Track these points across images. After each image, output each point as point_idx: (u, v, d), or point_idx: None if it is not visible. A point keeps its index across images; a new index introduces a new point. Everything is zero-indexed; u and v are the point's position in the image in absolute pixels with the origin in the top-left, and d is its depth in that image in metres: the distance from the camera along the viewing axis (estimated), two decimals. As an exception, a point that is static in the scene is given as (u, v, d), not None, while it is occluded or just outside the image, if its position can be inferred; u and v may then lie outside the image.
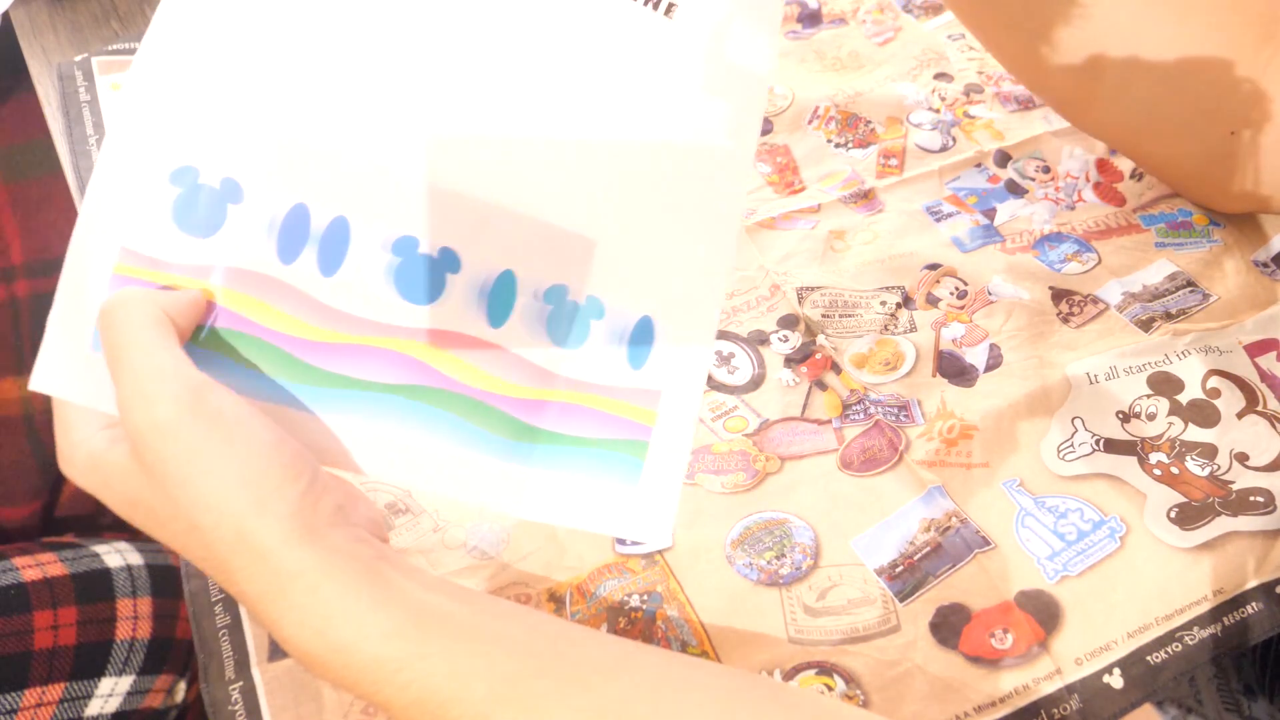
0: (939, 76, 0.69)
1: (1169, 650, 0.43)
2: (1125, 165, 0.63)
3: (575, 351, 0.37)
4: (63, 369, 0.33)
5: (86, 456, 0.33)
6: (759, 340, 0.54)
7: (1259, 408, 0.50)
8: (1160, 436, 0.50)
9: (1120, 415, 0.50)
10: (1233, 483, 0.48)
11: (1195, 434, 0.50)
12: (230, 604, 0.44)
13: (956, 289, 0.56)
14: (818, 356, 0.53)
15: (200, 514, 0.31)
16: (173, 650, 0.61)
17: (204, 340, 0.33)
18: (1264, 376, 0.52)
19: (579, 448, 0.38)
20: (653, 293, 0.38)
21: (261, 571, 0.31)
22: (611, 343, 0.37)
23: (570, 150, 0.36)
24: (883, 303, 0.56)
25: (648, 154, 0.36)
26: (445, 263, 0.35)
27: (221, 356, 0.33)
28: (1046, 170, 0.63)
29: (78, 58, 0.68)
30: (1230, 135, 0.52)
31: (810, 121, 0.66)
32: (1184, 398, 0.51)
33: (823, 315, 0.55)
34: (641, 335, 0.38)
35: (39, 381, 0.33)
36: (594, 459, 0.38)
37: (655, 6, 0.36)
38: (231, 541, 0.31)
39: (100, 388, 0.32)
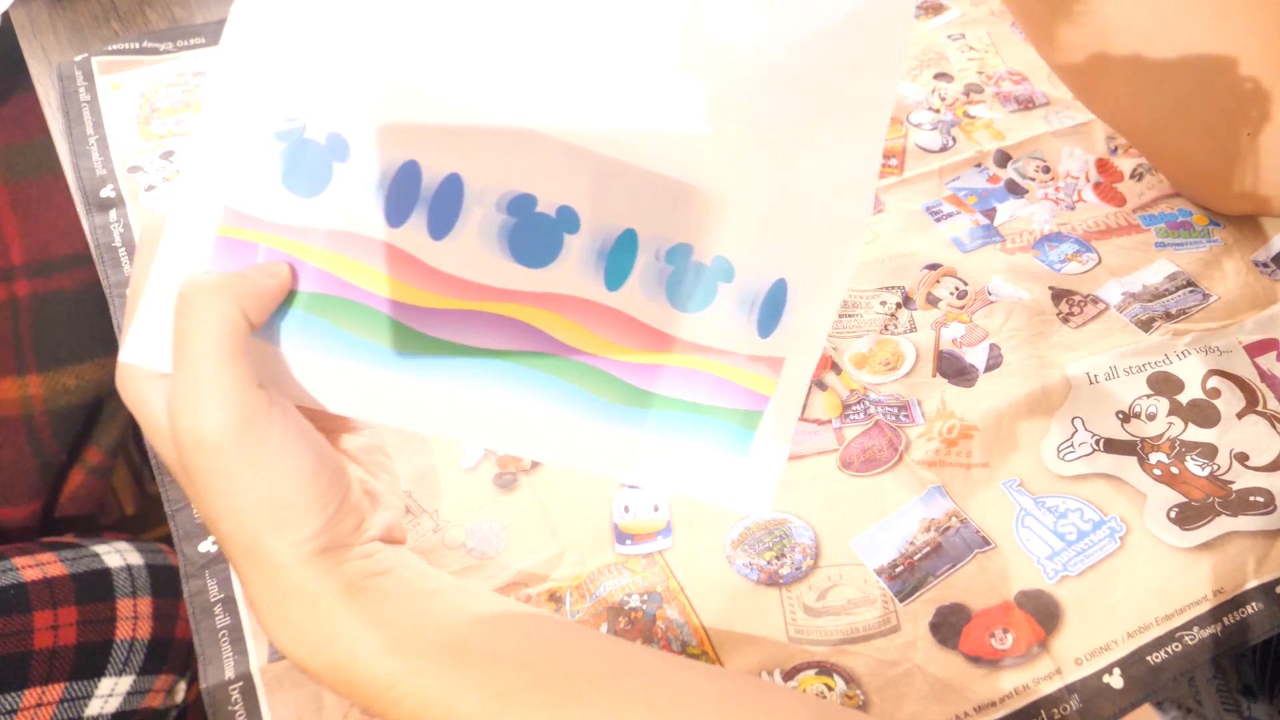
0: (939, 76, 0.69)
1: (1169, 650, 0.43)
2: (1125, 165, 0.63)
3: (698, 315, 0.35)
4: (162, 339, 0.31)
5: (136, 393, 0.32)
6: (759, 340, 0.54)
7: (1259, 408, 0.50)
8: (1160, 436, 0.50)
9: (1120, 415, 0.50)
10: (1233, 483, 0.48)
11: (1195, 434, 0.50)
12: (230, 604, 0.44)
13: (956, 289, 0.56)
14: (818, 356, 0.53)
15: (219, 520, 0.31)
16: (173, 650, 0.61)
17: (306, 305, 0.32)
18: (1264, 376, 0.52)
19: (692, 414, 0.36)
20: (788, 252, 0.35)
21: (265, 582, 0.31)
22: (741, 307, 0.35)
23: (698, 100, 0.33)
24: (883, 303, 0.56)
25: (780, 102, 0.34)
26: (563, 222, 0.33)
27: (322, 321, 0.32)
28: (1046, 170, 0.63)
29: (78, 58, 0.68)
30: (1248, 137, 0.52)
31: (810, 121, 0.66)
32: (1184, 398, 0.51)
33: (823, 315, 0.55)
34: (775, 299, 0.35)
35: (132, 351, 0.31)
36: (706, 428, 0.36)
37: None
38: (243, 549, 0.31)
39: None
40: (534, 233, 0.33)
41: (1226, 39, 0.50)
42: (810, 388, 0.52)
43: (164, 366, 0.31)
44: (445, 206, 0.32)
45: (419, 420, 0.33)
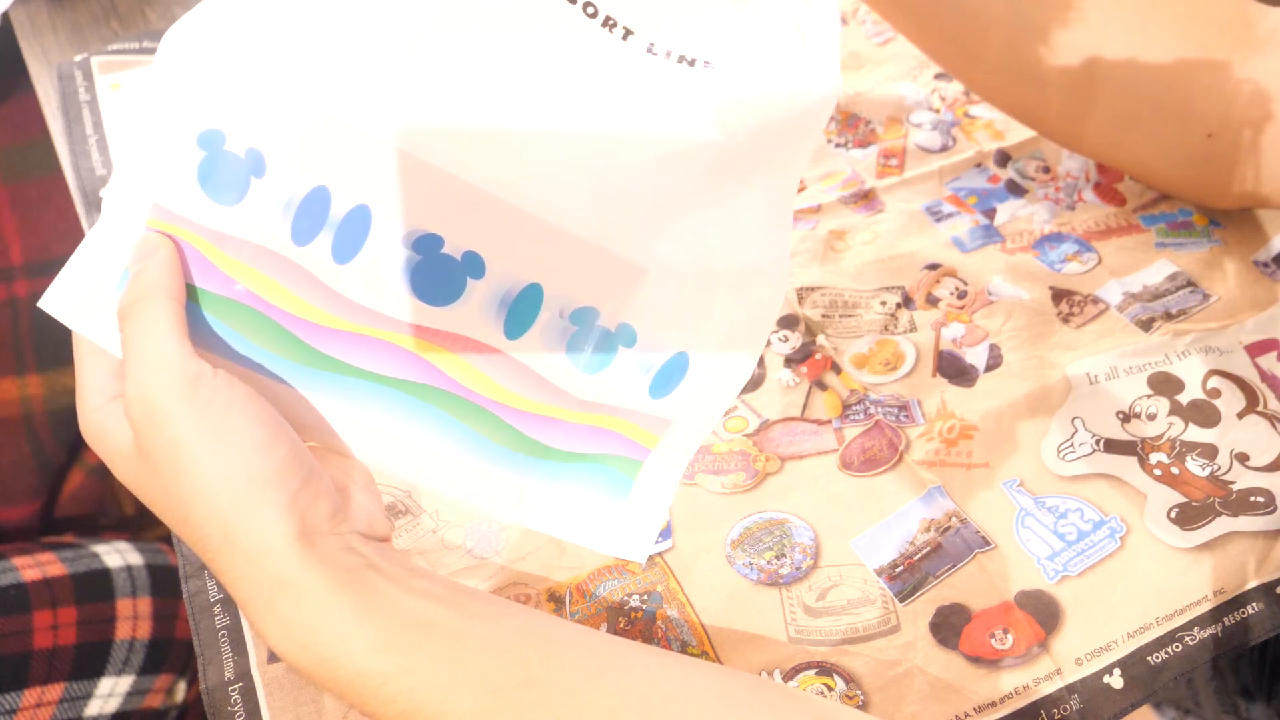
0: (939, 76, 0.69)
1: (1169, 650, 0.43)
2: (1125, 165, 0.63)
3: (595, 375, 0.36)
4: (78, 298, 0.33)
5: (96, 427, 0.33)
6: (759, 340, 0.54)
7: (1259, 408, 0.50)
8: (1160, 436, 0.50)
9: (1120, 415, 0.50)
10: (1233, 483, 0.48)
11: (1195, 434, 0.50)
12: (229, 604, 0.44)
13: (956, 289, 0.56)
14: (818, 356, 0.53)
15: (190, 508, 0.31)
16: (172, 650, 0.61)
17: (217, 311, 0.33)
18: (1264, 377, 0.52)
19: (577, 462, 0.37)
20: (694, 330, 0.36)
21: (248, 576, 0.31)
22: (637, 371, 0.36)
23: (625, 176, 0.33)
24: (883, 303, 0.56)
25: (708, 197, 0.34)
26: (468, 267, 0.34)
27: (230, 329, 0.33)
28: (1046, 170, 0.63)
29: (77, 58, 0.68)
30: (1208, 138, 0.52)
31: (810, 121, 0.66)
32: (1184, 398, 0.51)
33: (823, 315, 0.55)
34: (672, 369, 0.36)
35: (51, 302, 0.33)
36: (587, 472, 0.37)
37: (690, 64, 0.33)
38: (219, 543, 0.31)
39: (107, 326, 0.33)
40: (437, 272, 0.33)
41: (1155, 50, 0.50)
42: (810, 388, 0.52)
43: (74, 324, 0.33)
44: (350, 234, 0.33)
45: (308, 434, 0.34)
